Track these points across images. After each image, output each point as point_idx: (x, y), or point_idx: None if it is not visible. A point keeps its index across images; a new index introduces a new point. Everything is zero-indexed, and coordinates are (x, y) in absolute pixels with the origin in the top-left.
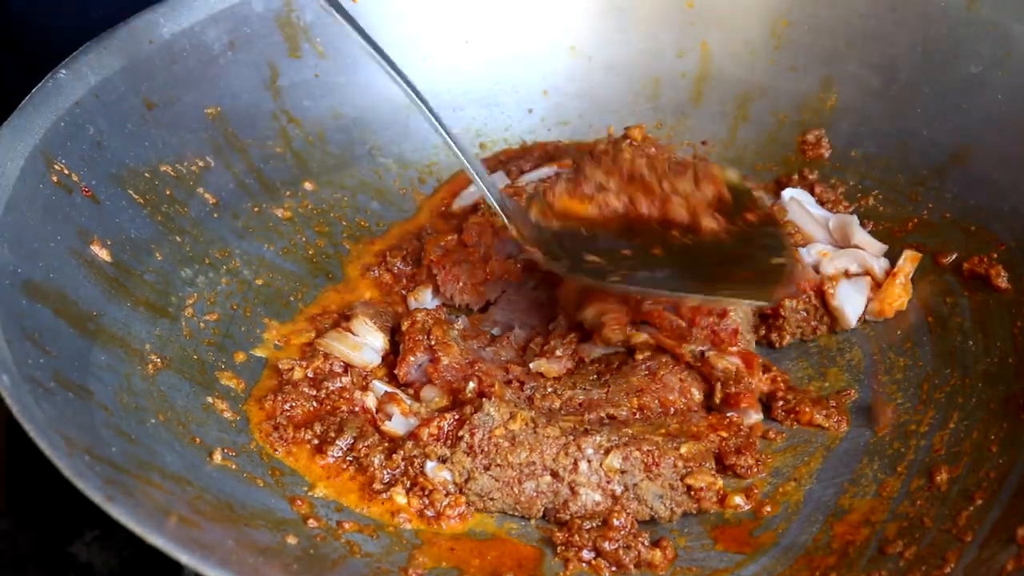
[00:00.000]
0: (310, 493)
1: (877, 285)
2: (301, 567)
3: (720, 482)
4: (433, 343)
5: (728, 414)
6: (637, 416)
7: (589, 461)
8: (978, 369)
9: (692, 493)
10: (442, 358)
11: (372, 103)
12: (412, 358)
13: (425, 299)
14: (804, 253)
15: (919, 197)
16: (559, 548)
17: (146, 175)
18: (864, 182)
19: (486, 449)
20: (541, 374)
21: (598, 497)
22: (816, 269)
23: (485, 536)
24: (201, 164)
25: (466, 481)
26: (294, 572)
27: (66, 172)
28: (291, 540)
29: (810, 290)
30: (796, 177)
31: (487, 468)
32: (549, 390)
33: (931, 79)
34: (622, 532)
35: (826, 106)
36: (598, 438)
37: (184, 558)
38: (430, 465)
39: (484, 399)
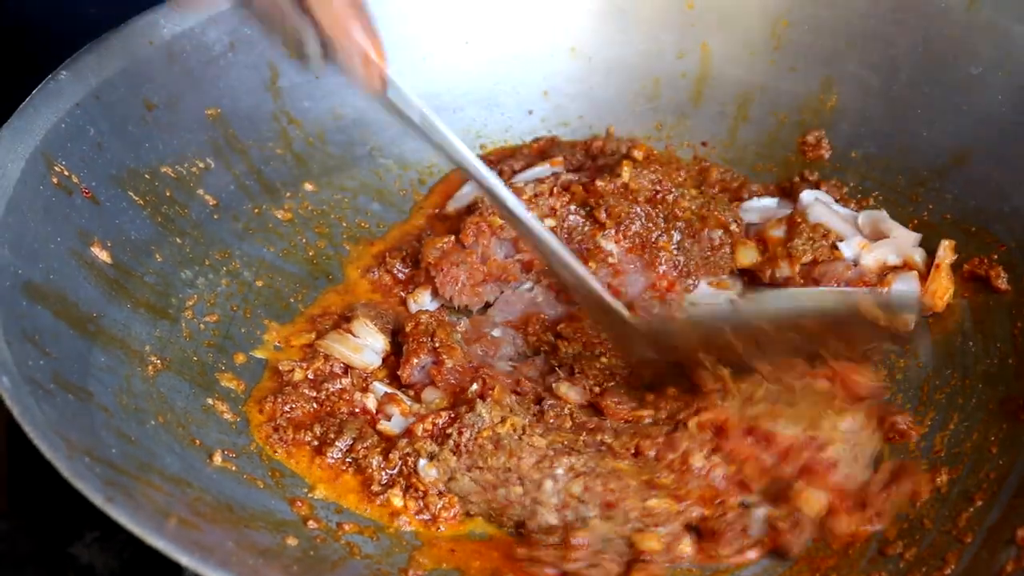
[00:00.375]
0: (310, 494)
1: (922, 277)
2: (301, 568)
3: (685, 549)
4: (437, 345)
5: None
6: (631, 453)
7: (555, 481)
8: (978, 370)
9: (633, 550)
10: (446, 360)
11: (372, 104)
12: (415, 360)
13: (424, 301)
14: (844, 248)
15: (919, 198)
16: (524, 564)
17: (146, 176)
18: (864, 183)
19: (471, 449)
20: (559, 397)
21: (553, 520)
22: (856, 263)
23: (485, 537)
24: (201, 165)
25: (449, 480)
26: (294, 573)
27: (66, 173)
28: (291, 541)
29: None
30: (797, 180)
31: (468, 469)
32: (565, 411)
33: (931, 80)
34: (584, 551)
35: (826, 107)
36: (573, 460)
37: (184, 560)
38: (422, 463)
39: (479, 399)
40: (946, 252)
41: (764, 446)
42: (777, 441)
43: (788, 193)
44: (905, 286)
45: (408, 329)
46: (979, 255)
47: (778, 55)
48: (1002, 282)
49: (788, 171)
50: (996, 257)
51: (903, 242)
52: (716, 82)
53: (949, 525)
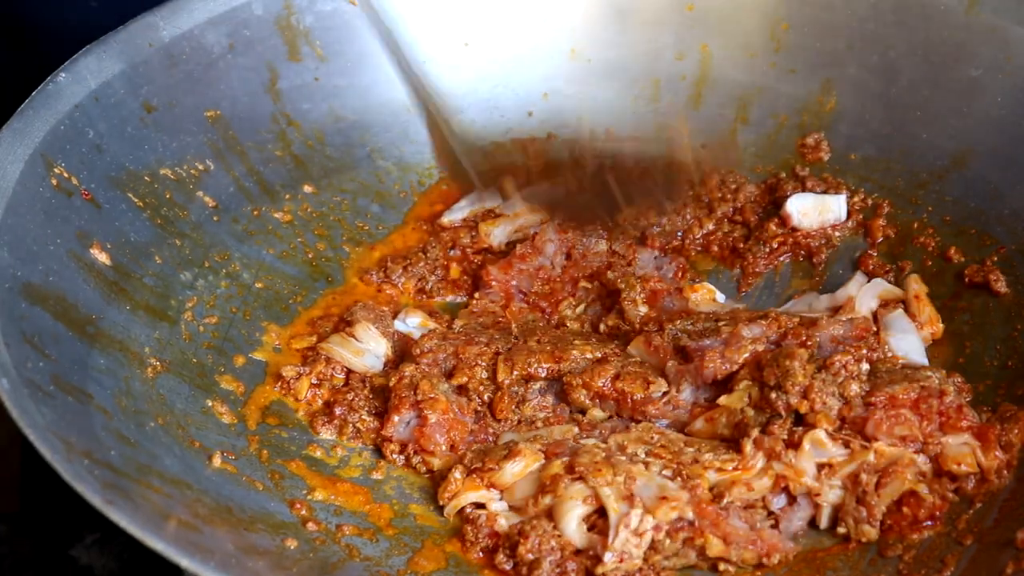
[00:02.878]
0: (309, 496)
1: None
2: (301, 570)
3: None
4: (419, 399)
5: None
6: None
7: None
8: (977, 372)
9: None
10: (429, 416)
11: (372, 106)
12: (397, 417)
13: (414, 321)
14: (860, 301)
15: (919, 200)
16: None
17: (146, 178)
18: (863, 185)
19: None
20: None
21: None
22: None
23: None
24: (201, 167)
25: None
26: (294, 575)
27: (66, 175)
28: (291, 543)
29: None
30: (784, 175)
31: None
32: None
33: (931, 82)
34: None
35: (825, 109)
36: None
37: (184, 562)
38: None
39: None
40: (918, 284)
41: (889, 407)
42: (901, 399)
43: (774, 190)
44: (901, 334)
45: (392, 383)
46: (979, 257)
47: (778, 57)
48: (1001, 285)
49: (787, 173)
50: (995, 259)
51: (852, 289)
52: (716, 84)
53: (948, 527)
